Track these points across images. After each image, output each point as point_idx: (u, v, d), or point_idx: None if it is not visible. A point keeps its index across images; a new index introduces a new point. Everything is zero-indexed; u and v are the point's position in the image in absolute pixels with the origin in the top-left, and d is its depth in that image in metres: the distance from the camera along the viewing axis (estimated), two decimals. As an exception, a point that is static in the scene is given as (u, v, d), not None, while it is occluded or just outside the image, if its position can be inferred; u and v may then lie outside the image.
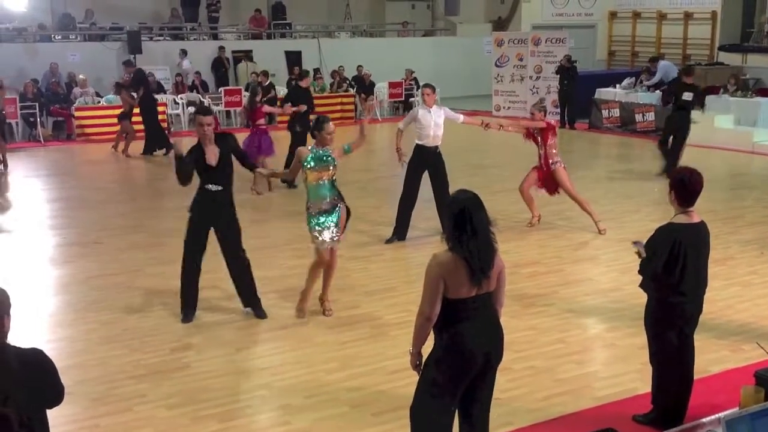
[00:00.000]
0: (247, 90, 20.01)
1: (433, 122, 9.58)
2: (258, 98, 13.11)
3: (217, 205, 7.10)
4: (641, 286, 5.22)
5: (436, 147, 9.71)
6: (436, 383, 4.23)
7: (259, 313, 7.37)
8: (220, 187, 7.05)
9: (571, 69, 19.47)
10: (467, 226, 4.14)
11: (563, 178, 10.05)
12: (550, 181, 10.17)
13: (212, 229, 7.22)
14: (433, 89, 9.73)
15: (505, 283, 4.39)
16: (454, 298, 4.16)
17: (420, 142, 9.70)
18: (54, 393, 3.40)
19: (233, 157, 7.15)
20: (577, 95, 19.41)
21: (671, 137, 13.52)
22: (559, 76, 19.63)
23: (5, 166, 14.87)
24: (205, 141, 6.99)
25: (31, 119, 18.04)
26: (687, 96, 13.28)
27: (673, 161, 13.28)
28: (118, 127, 16.58)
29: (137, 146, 16.35)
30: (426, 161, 9.70)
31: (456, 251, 4.15)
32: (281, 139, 14.02)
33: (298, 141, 12.62)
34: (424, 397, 4.29)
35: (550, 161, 9.98)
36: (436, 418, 4.27)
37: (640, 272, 5.17)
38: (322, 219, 7.11)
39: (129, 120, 16.32)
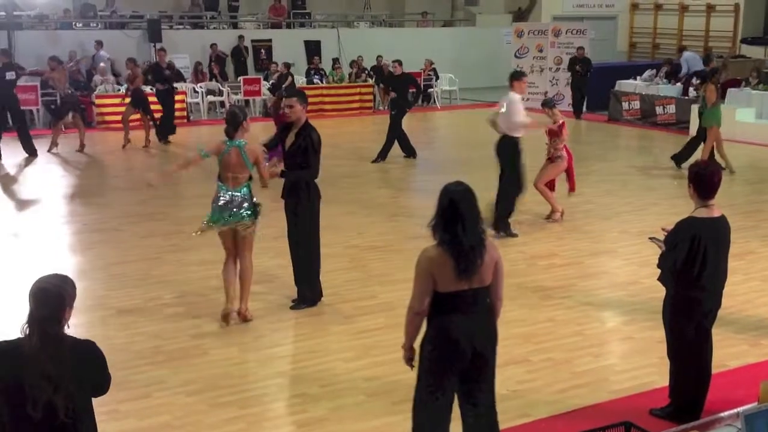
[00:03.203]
0: (266, 80, 20.03)
1: None
2: (283, 104, 12.81)
3: (289, 189, 7.17)
4: (660, 279, 5.20)
5: None
6: (427, 375, 4.16)
7: (297, 300, 7.35)
8: None
9: (583, 60, 19.34)
10: (456, 220, 4.03)
11: (550, 170, 10.16)
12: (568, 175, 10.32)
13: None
14: None
15: (502, 277, 4.26)
16: (445, 292, 4.07)
17: (518, 135, 9.50)
18: (101, 383, 3.55)
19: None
20: (591, 87, 19.34)
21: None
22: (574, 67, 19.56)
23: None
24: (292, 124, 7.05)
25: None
26: None
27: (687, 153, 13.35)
28: (137, 116, 16.42)
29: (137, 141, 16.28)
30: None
31: (443, 246, 4.06)
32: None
33: (395, 124, 14.25)
34: (420, 389, 4.24)
35: (549, 156, 10.19)
36: (430, 412, 4.19)
37: (659, 266, 5.15)
38: None
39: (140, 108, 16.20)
